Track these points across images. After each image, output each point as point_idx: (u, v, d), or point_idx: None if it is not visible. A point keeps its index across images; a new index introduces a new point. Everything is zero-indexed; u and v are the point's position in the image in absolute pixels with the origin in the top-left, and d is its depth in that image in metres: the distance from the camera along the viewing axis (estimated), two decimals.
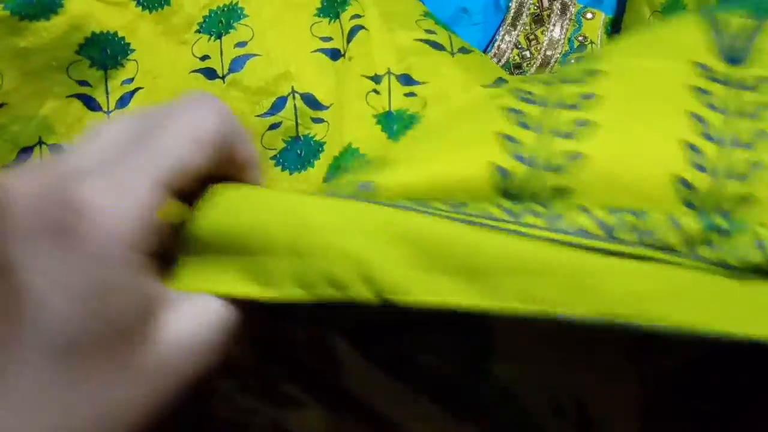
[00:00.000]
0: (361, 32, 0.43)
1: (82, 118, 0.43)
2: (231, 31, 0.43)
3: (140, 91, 0.43)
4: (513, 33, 0.58)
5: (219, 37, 0.43)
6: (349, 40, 0.43)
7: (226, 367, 0.21)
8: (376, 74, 0.42)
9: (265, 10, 0.43)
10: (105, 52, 0.43)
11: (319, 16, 0.44)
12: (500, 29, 0.58)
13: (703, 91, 0.21)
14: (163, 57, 0.44)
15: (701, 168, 0.19)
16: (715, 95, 0.21)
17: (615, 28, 0.55)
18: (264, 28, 0.43)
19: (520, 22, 0.58)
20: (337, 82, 0.42)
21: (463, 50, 0.44)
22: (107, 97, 0.43)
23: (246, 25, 0.43)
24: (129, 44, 0.43)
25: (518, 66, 0.57)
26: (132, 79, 0.43)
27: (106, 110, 0.43)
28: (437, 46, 0.43)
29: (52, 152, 0.41)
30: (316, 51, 0.43)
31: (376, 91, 0.41)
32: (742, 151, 0.19)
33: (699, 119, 0.20)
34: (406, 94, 0.41)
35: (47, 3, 0.40)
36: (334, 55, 0.43)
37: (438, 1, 0.55)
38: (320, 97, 0.42)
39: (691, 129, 0.20)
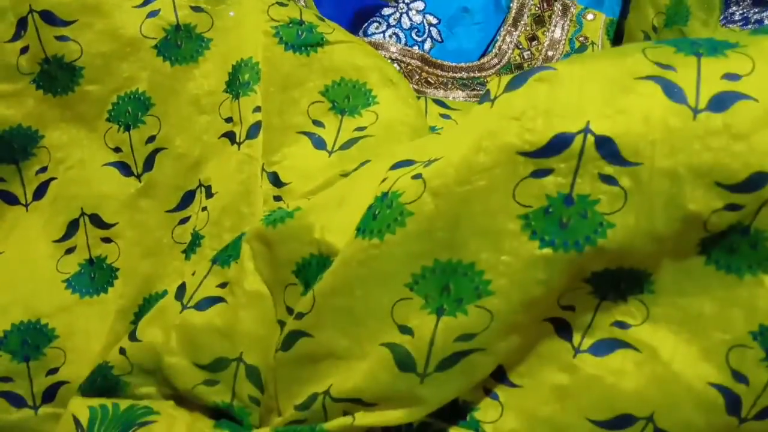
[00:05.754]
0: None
1: (1, 214, 0.40)
2: (140, 125, 0.38)
3: (54, 182, 0.40)
4: (514, 34, 0.53)
5: (127, 129, 0.38)
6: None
7: None
8: None
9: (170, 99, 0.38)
10: (12, 147, 0.39)
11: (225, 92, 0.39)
12: (501, 30, 0.53)
13: None
14: (74, 145, 0.40)
15: None
16: None
17: (618, 28, 0.53)
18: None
19: (521, 22, 0.53)
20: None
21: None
22: (24, 189, 0.40)
23: (153, 115, 0.38)
24: (36, 131, 0.39)
25: (519, 66, 0.52)
26: (45, 168, 0.40)
27: (24, 203, 0.40)
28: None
29: None
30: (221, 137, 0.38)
31: None
32: None
33: None
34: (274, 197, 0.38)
35: None
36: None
37: (439, 1, 0.53)
38: None
39: None
